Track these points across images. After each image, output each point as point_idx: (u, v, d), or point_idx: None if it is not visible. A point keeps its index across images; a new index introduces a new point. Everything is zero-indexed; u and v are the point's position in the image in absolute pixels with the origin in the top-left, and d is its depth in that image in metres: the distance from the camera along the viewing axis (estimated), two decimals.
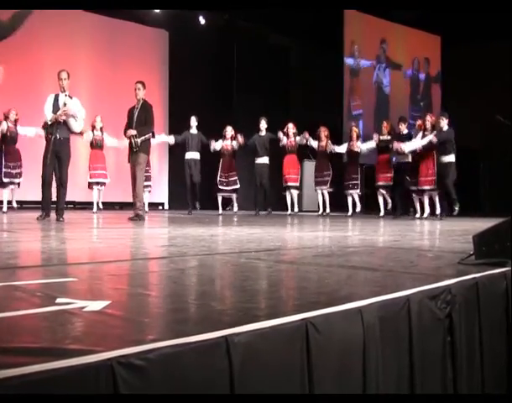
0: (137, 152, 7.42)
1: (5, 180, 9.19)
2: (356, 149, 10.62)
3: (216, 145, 10.47)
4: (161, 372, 1.18)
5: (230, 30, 13.52)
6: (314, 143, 10.73)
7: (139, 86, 7.64)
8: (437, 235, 5.95)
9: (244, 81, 13.38)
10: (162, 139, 10.50)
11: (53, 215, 6.88)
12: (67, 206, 8.96)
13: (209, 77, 13.51)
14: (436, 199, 9.64)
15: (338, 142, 11.27)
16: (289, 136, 10.64)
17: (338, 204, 11.09)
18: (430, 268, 2.85)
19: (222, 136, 10.63)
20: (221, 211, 10.66)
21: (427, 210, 9.85)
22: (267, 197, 10.67)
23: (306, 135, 10.63)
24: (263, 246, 3.92)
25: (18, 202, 10.05)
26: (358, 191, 10.68)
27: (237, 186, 10.63)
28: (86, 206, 10.79)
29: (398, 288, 2.03)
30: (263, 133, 10.63)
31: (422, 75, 16.29)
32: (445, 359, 2.07)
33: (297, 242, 4.81)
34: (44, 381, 1.03)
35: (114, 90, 12.17)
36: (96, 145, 10.09)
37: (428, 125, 9.72)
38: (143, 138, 7.44)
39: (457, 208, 9.35)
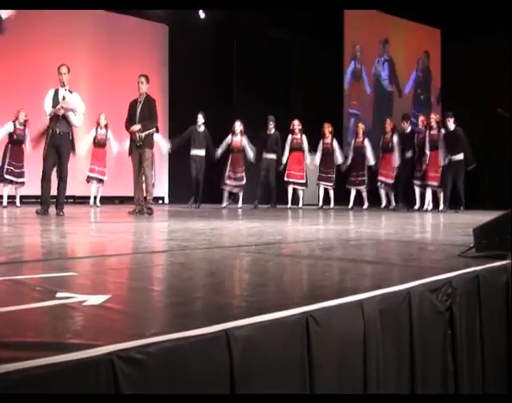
0: (142, 147, 7.33)
1: (6, 176, 9.16)
2: (363, 146, 10.66)
3: (219, 151, 10.37)
4: (161, 366, 1.18)
5: (230, 24, 13.45)
6: (317, 160, 10.75)
7: (143, 79, 7.50)
8: (438, 228, 5.95)
9: (244, 76, 13.32)
10: (159, 142, 9.86)
11: (53, 209, 6.88)
12: (67, 201, 8.95)
13: (209, 71, 13.46)
14: (441, 195, 9.71)
15: (338, 139, 11.32)
16: (295, 133, 10.57)
17: (340, 198, 11.08)
18: (430, 261, 2.85)
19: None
20: (224, 204, 10.52)
21: (430, 204, 9.92)
22: (272, 192, 10.63)
23: (315, 162, 10.73)
24: (264, 239, 3.92)
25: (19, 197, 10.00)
26: (365, 186, 10.71)
27: (244, 182, 10.54)
28: (86, 200, 10.77)
29: (398, 281, 2.03)
30: (271, 131, 10.55)
31: (422, 70, 16.22)
32: (446, 352, 2.07)
33: (297, 235, 4.81)
34: (45, 376, 1.03)
35: (114, 85, 12.13)
36: (98, 144, 10.07)
37: (433, 123, 9.77)
38: (146, 132, 7.33)
39: (461, 209, 9.56)
